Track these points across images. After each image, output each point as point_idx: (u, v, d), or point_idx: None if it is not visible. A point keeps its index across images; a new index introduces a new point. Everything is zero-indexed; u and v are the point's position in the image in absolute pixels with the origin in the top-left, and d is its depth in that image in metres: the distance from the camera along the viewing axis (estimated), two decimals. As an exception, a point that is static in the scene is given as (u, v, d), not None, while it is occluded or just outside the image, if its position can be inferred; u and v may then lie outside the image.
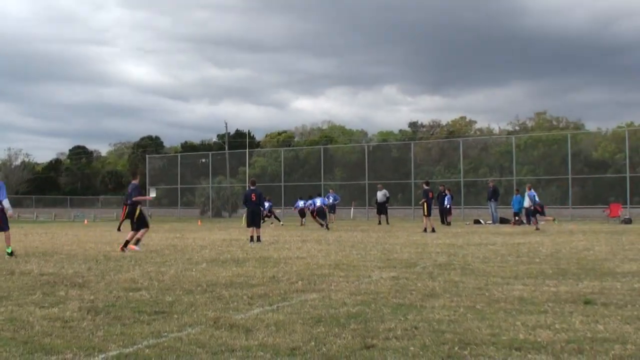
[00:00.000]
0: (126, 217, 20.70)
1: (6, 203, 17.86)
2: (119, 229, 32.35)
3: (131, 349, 6.79)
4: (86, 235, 29.25)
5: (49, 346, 6.99)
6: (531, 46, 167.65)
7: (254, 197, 23.39)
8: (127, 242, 19.36)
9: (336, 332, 7.45)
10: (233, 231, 31.89)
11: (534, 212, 32.83)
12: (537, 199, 33.07)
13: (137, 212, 19.81)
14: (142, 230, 19.90)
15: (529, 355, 6.32)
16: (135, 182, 20.92)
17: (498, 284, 11.24)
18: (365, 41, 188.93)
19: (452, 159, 65.05)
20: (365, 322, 8.00)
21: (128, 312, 8.91)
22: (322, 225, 33.69)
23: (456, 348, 6.65)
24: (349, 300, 9.72)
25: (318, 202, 35.61)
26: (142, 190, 22.47)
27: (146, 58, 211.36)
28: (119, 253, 18.48)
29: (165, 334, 7.51)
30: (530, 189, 33.88)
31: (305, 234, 28.29)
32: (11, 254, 17.46)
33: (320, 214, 34.77)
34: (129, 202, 20.34)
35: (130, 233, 19.78)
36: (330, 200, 42.50)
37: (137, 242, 19.70)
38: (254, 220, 23.05)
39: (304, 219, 39.29)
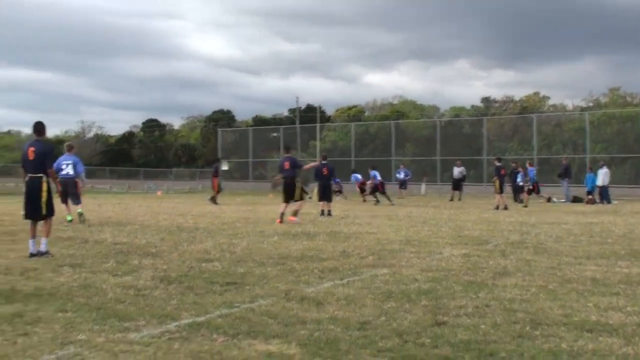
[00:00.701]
0: (285, 191, 20.71)
1: (83, 176, 18.55)
2: (213, 201, 32.16)
3: (203, 318, 6.86)
4: (159, 206, 29.65)
5: (122, 313, 7.11)
6: (606, 20, 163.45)
7: (325, 172, 23.22)
8: (282, 215, 19.85)
9: (407, 308, 7.42)
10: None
11: (530, 191, 32.92)
12: (535, 177, 33.21)
13: (296, 185, 20.53)
14: (298, 202, 20.64)
15: (600, 338, 6.19)
16: (289, 154, 21.19)
17: (570, 264, 11.05)
18: (437, 14, 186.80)
19: (525, 135, 63.89)
20: (436, 299, 7.95)
21: (200, 282, 9.01)
22: (377, 201, 33.68)
23: (527, 328, 6.56)
24: (420, 276, 9.66)
25: (379, 176, 35.48)
26: (301, 162, 22.88)
27: (218, 32, 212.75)
28: (192, 224, 18.71)
29: (237, 304, 7.57)
30: (531, 165, 33.86)
31: (375, 209, 28.21)
32: (71, 221, 18.10)
33: (375, 189, 34.74)
34: (284, 174, 20.56)
35: (283, 205, 20.12)
36: (402, 176, 42.27)
37: (295, 214, 20.32)
38: (325, 194, 23.01)
39: (365, 194, 39.15)
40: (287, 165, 20.75)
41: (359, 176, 38.45)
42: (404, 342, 6.01)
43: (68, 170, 19.63)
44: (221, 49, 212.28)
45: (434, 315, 7.07)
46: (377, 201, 33.18)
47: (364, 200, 35.30)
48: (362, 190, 36.85)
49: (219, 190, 32.57)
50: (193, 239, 14.86)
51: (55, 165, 19.29)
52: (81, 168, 20.15)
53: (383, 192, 34.41)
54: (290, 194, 20.57)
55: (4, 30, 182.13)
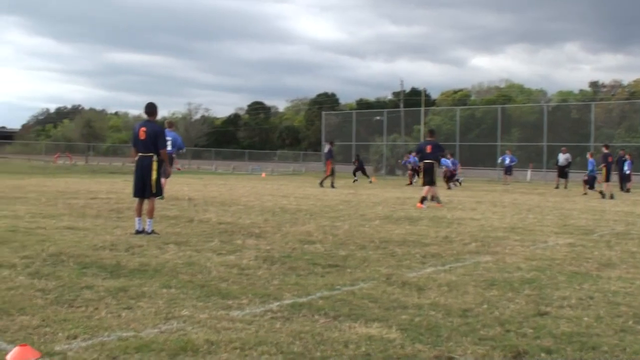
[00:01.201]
0: (426, 174, 20.88)
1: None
2: (325, 184, 32.46)
3: (305, 299, 6.91)
4: (263, 188, 30.00)
5: (226, 291, 7.22)
6: None
7: (429, 149, 21.14)
8: (423, 198, 20.07)
9: (509, 297, 7.30)
10: (406, 189, 31.88)
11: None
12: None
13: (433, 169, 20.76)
14: (434, 188, 20.87)
15: None
16: (432, 139, 21.32)
17: (681, 256, 10.68)
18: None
19: (633, 122, 62.01)
20: (539, 289, 7.80)
21: (303, 264, 9.07)
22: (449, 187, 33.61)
23: (630, 322, 6.36)
24: (524, 265, 9.50)
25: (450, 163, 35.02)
26: (444, 148, 23.16)
27: (323, 15, 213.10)
28: (295, 206, 18.85)
29: (339, 287, 7.59)
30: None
31: (480, 195, 27.87)
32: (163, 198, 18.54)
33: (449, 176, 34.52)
34: (425, 158, 20.80)
35: (426, 188, 20.33)
36: (507, 162, 41.62)
37: (432, 198, 20.64)
38: (427, 176, 22.45)
39: (415, 179, 38.47)
40: (429, 149, 20.88)
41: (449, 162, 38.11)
42: (506, 331, 5.92)
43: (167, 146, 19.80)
44: (326, 32, 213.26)
45: (536, 305, 6.94)
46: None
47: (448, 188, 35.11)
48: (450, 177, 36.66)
49: (332, 173, 32.56)
50: (296, 220, 14.98)
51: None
52: (182, 145, 20.87)
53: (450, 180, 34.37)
54: (431, 178, 20.67)
55: (113, 14, 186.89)
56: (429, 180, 20.45)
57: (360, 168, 42.48)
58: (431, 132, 22.29)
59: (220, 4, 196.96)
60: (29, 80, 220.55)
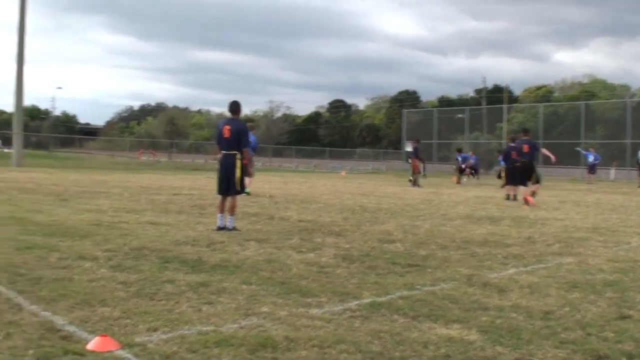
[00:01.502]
0: (523, 173, 21.00)
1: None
2: (414, 183, 31.81)
3: (384, 299, 6.89)
4: (343, 186, 30.05)
5: (305, 289, 7.24)
6: None
7: (526, 149, 21.08)
8: (533, 193, 20.44)
9: (591, 299, 7.15)
10: (488, 188, 31.51)
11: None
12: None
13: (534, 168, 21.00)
14: (536, 185, 21.19)
15: None
16: (527, 137, 21.48)
17: None
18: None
19: None
20: (622, 291, 7.62)
21: (382, 263, 9.05)
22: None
23: None
24: (607, 266, 9.29)
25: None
26: (539, 145, 23.28)
27: (402, 10, 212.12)
28: (374, 204, 18.83)
29: (419, 286, 7.54)
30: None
31: (563, 194, 27.38)
32: (249, 193, 18.80)
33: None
34: (522, 157, 20.94)
35: (521, 188, 20.52)
36: (591, 159, 40.79)
37: (532, 195, 20.68)
38: (524, 175, 21.84)
39: (464, 179, 37.78)
40: (526, 148, 20.87)
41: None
42: (587, 334, 5.80)
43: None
44: (406, 28, 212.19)
45: (619, 308, 6.78)
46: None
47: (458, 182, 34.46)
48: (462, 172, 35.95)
49: (419, 171, 32.37)
50: (375, 219, 14.95)
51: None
52: (256, 147, 22.06)
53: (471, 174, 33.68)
54: (528, 177, 20.73)
55: (197, 12, 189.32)
56: (526, 180, 20.40)
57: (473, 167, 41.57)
58: (525, 131, 22.49)
59: (302, 2, 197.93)
60: (113, 77, 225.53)
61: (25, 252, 8.99)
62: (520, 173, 20.62)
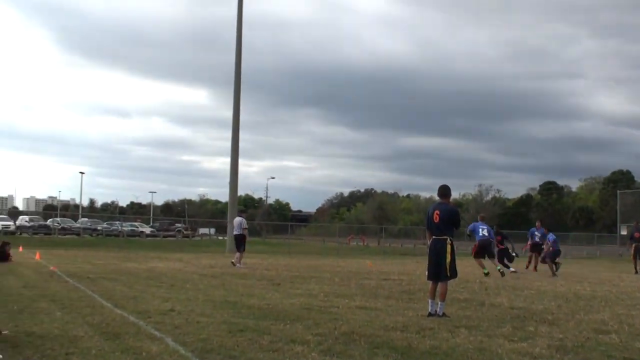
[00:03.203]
0: None
1: None
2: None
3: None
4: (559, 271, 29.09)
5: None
6: None
7: None
8: None
9: None
10: None
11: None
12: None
13: None
14: None
15: None
16: None
17: None
18: None
19: None
20: None
21: (597, 355, 8.69)
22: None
23: None
24: None
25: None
26: None
27: (617, 89, 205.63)
28: (589, 291, 18.14)
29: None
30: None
31: None
32: (487, 274, 19.08)
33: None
34: None
35: None
36: None
37: None
38: None
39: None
40: None
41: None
42: None
43: (484, 232, 23.81)
44: (621, 106, 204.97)
45: None
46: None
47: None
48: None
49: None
50: (590, 307, 14.36)
51: (471, 227, 24.39)
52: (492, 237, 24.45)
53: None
54: None
55: (405, 102, 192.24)
56: None
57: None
58: None
59: (511, 84, 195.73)
60: (323, 166, 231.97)
61: (238, 335, 9.34)
62: None
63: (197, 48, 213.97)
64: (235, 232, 27.28)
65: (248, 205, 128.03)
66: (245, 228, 26.94)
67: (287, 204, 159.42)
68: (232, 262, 26.12)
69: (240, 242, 26.67)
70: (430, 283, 12.41)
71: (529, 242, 29.98)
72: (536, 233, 29.21)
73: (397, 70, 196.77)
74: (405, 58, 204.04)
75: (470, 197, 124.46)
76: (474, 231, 23.90)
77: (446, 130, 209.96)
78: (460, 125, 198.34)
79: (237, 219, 27.49)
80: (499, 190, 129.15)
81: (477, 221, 24.93)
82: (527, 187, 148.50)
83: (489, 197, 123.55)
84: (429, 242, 12.49)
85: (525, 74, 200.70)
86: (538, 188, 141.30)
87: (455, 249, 12.35)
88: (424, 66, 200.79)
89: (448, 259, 12.04)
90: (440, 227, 12.19)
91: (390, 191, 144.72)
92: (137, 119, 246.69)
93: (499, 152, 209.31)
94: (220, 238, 64.42)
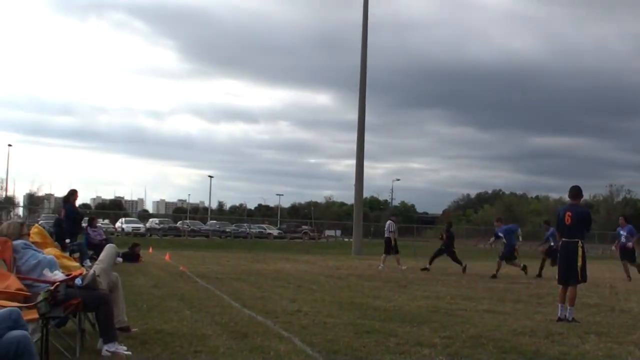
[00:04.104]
0: None
1: None
2: None
3: None
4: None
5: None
6: None
7: None
8: None
9: None
10: None
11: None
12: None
13: None
14: None
15: None
16: None
17: None
18: None
19: None
20: None
21: None
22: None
23: None
24: None
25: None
26: None
27: None
28: None
29: None
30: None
31: None
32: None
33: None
34: None
35: None
36: None
37: None
38: None
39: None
40: None
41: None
42: None
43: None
44: None
45: None
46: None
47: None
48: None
49: None
50: None
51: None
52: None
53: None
54: None
55: (537, 101, 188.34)
56: None
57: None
58: None
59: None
60: (449, 167, 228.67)
61: (364, 337, 9.42)
62: None
63: (322, 52, 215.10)
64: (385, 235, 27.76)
65: (373, 207, 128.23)
66: (392, 231, 27.17)
67: (413, 205, 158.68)
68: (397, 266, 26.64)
69: (386, 245, 27.28)
70: (560, 287, 12.19)
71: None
72: (622, 232, 24.27)
73: (524, 67, 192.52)
74: (532, 55, 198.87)
75: (601, 197, 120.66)
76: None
77: (575, 129, 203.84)
78: (590, 123, 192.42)
79: (387, 223, 28.11)
80: (629, 191, 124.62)
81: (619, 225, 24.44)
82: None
83: (620, 197, 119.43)
84: (560, 245, 12.30)
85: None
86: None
87: (586, 251, 12.11)
88: (552, 63, 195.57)
89: (579, 262, 11.83)
90: (572, 229, 11.99)
91: (519, 192, 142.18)
92: (263, 123, 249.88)
93: (631, 151, 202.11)
94: (346, 240, 64.70)
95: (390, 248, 26.91)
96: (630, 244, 23.45)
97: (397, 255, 27.22)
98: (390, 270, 24.75)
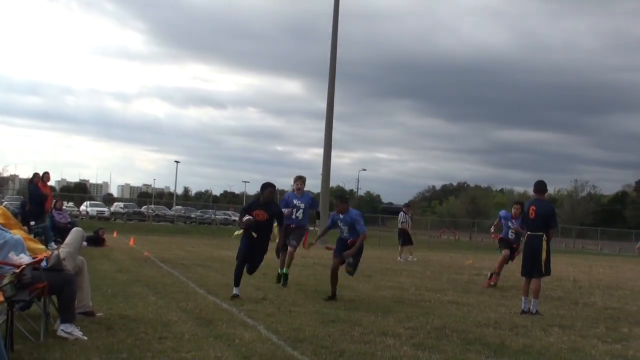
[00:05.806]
0: None
1: None
2: None
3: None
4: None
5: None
6: None
7: None
8: None
9: None
10: None
11: None
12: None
13: None
14: None
15: None
16: None
17: None
18: None
19: None
20: None
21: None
22: None
23: None
24: None
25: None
26: None
27: None
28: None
29: None
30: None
31: None
32: None
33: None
34: None
35: None
36: None
37: None
38: None
39: None
40: None
41: None
42: None
43: None
44: None
45: None
46: None
47: None
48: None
49: None
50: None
51: None
52: None
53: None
54: None
55: (502, 94, 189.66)
56: None
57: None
58: None
59: (611, 77, 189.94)
60: (416, 158, 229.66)
61: (329, 325, 9.46)
62: None
63: (293, 40, 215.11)
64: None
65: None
66: (402, 222, 27.40)
67: (378, 196, 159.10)
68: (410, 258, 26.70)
69: (400, 237, 27.43)
70: (523, 279, 12.30)
71: None
72: None
73: (493, 61, 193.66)
74: (501, 48, 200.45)
75: (565, 192, 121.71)
76: None
77: (543, 124, 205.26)
78: (558, 118, 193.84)
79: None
80: (594, 186, 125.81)
81: None
82: (623, 183, 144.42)
83: (584, 193, 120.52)
84: (523, 238, 12.41)
85: (625, 66, 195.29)
86: (634, 184, 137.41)
87: (550, 245, 12.23)
88: (521, 57, 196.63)
89: (544, 256, 11.94)
90: (537, 223, 12.09)
91: (484, 185, 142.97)
92: (232, 109, 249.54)
93: (597, 147, 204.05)
94: (311, 228, 64.75)
95: (405, 239, 26.96)
96: None
97: (403, 248, 27.17)
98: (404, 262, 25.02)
